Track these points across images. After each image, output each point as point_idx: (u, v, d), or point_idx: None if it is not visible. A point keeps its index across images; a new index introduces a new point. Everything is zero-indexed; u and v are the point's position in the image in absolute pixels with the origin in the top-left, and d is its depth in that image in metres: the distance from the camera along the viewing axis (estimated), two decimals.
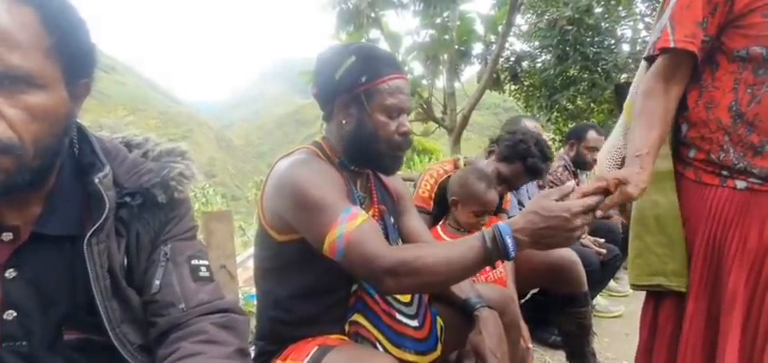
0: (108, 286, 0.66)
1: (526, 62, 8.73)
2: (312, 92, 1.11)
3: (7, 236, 0.63)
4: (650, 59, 1.05)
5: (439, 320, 1.17)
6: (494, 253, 0.84)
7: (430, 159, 9.42)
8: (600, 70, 7.96)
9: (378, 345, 1.00)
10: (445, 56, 4.52)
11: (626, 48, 8.28)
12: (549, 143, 1.95)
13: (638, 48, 7.88)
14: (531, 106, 8.98)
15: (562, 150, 2.93)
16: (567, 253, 1.78)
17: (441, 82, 4.70)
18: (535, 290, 2.03)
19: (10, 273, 0.63)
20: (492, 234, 0.84)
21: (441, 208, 1.72)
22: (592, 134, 2.76)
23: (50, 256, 0.65)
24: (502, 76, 7.71)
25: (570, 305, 1.77)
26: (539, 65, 8.83)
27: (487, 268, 1.51)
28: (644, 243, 1.10)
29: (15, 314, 0.63)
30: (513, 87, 8.94)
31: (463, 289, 1.14)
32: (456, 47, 4.58)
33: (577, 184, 2.92)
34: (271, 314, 1.06)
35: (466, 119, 4.67)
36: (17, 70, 0.54)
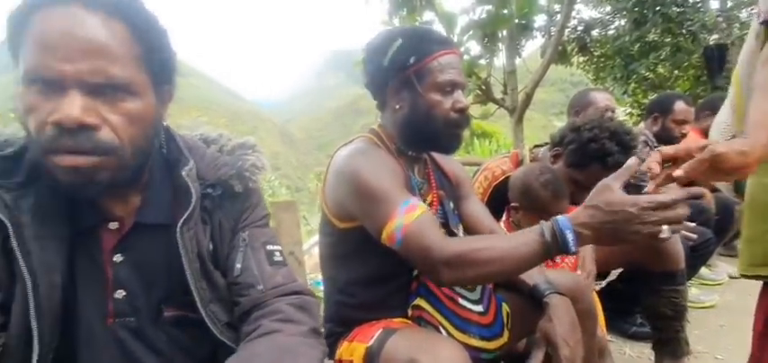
0: (198, 269, 0.72)
1: (596, 30, 7.99)
2: (364, 82, 1.11)
3: (114, 226, 0.71)
4: None
5: (505, 306, 1.12)
6: (553, 248, 0.79)
7: (490, 142, 9.08)
8: (684, 32, 7.04)
9: (441, 329, 0.99)
10: (504, 32, 4.28)
11: (715, 4, 7.22)
12: (625, 118, 1.72)
13: (729, 3, 6.84)
14: (602, 78, 8.22)
15: (643, 124, 2.60)
16: None
17: (500, 60, 4.47)
18: (619, 271, 1.86)
19: (117, 258, 0.71)
20: (551, 227, 0.79)
21: (495, 209, 1.53)
22: (680, 105, 2.41)
23: (149, 243, 0.72)
24: (569, 48, 7.12)
25: (665, 282, 1.57)
26: (611, 32, 8.03)
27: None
28: (755, 230, 0.99)
29: (124, 293, 0.71)
30: (581, 59, 8.25)
31: (531, 275, 1.09)
32: (516, 21, 4.31)
33: None
34: (336, 297, 1.09)
35: (529, 97, 4.39)
36: (117, 80, 0.60)
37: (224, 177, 0.76)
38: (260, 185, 0.84)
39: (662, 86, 7.72)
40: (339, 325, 1.07)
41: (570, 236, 0.77)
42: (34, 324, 0.62)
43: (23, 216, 0.63)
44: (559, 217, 0.79)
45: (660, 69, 7.79)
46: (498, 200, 1.48)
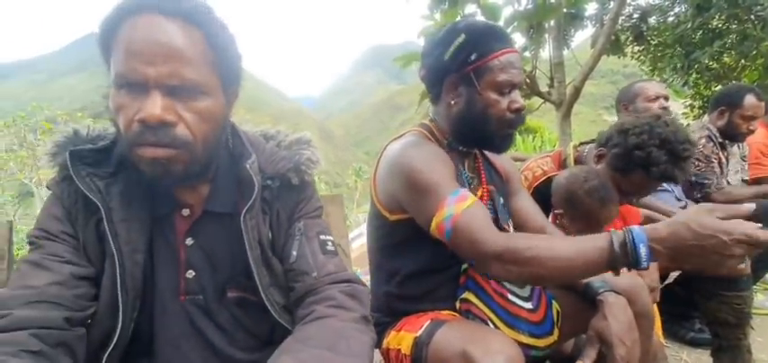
0: (258, 255, 0.77)
1: (654, 17, 7.42)
2: (420, 74, 1.11)
3: (186, 212, 0.78)
4: None
5: (555, 304, 1.10)
6: (620, 260, 0.75)
7: (534, 138, 8.78)
8: (753, 18, 6.38)
9: (489, 324, 0.99)
10: (551, 22, 4.11)
11: None
12: (685, 111, 1.56)
13: None
14: (660, 69, 7.66)
15: (706, 118, 2.40)
16: None
17: (546, 52, 4.28)
18: (676, 274, 1.75)
19: (189, 241, 0.77)
20: (623, 238, 0.75)
21: None
22: (750, 99, 2.19)
23: (216, 229, 0.78)
24: (622, 37, 6.69)
25: (728, 287, 1.46)
26: (671, 19, 7.45)
27: None
28: None
29: (194, 273, 0.77)
30: (636, 49, 7.72)
31: None
32: (565, 10, 4.12)
33: (726, 158, 2.38)
34: (384, 288, 1.12)
35: (577, 90, 4.17)
36: (192, 82, 0.66)
37: (282, 170, 0.81)
38: (314, 178, 0.88)
39: (727, 77, 7.08)
40: (386, 315, 1.09)
41: (644, 251, 0.73)
42: (120, 297, 0.70)
43: (113, 201, 0.71)
44: (635, 228, 0.75)
45: (725, 58, 7.13)
46: (539, 201, 1.39)
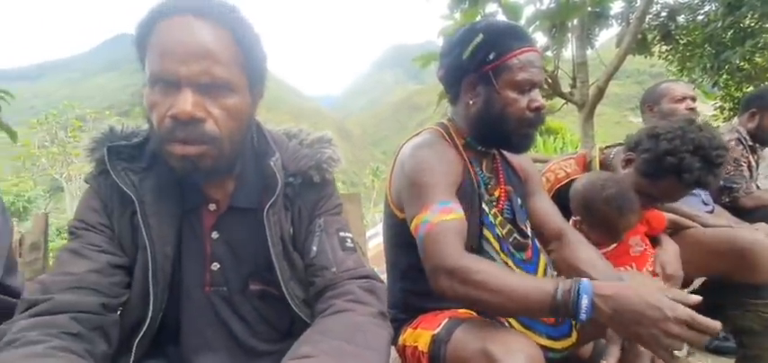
0: (280, 250, 0.80)
1: (683, 16, 7.19)
2: (438, 74, 1.12)
3: (212, 207, 0.81)
4: None
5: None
6: (560, 308, 0.77)
7: (555, 139, 8.62)
8: None
9: (507, 325, 0.98)
10: (575, 21, 4.03)
11: None
12: (714, 114, 1.50)
13: None
14: (689, 69, 7.41)
15: (736, 120, 2.32)
16: (753, 234, 1.40)
17: (569, 51, 4.21)
18: (701, 280, 1.69)
19: (214, 235, 0.81)
20: (568, 286, 0.77)
21: None
22: None
23: (240, 224, 0.81)
24: (649, 36, 6.49)
25: (755, 295, 1.40)
26: (700, 17, 7.21)
27: (639, 253, 1.29)
28: None
29: (219, 265, 0.81)
30: (663, 48, 7.49)
31: (599, 270, 1.03)
32: (589, 8, 4.03)
33: (756, 162, 2.28)
34: (400, 284, 1.13)
35: (601, 91, 4.07)
36: (221, 80, 0.69)
37: (304, 168, 0.83)
38: (334, 176, 0.90)
39: (758, 78, 6.79)
40: (402, 312, 1.10)
41: (585, 303, 0.75)
42: (151, 286, 0.74)
43: (146, 195, 0.75)
44: (584, 281, 0.77)
45: (757, 59, 6.84)
46: (560, 205, 1.36)
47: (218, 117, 0.70)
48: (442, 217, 0.89)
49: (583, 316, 0.75)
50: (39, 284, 0.68)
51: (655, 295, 0.73)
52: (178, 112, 0.66)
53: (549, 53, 4.16)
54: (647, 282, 0.77)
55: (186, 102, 0.66)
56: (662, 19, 7.10)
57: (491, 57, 0.97)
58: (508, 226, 1.06)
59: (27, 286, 0.71)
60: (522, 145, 1.04)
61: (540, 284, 0.81)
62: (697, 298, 0.76)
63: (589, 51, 4.29)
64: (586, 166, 1.53)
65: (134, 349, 0.74)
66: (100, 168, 0.78)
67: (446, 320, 0.94)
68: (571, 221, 1.36)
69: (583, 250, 1.10)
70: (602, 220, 1.23)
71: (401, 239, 1.09)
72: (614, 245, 1.30)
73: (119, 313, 0.74)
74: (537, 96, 0.99)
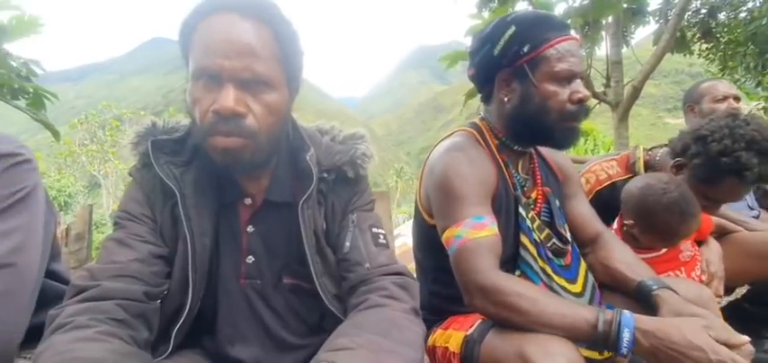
0: (314, 244, 0.80)
1: (724, 13, 6.85)
2: (469, 74, 1.09)
3: (248, 201, 0.82)
4: None
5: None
6: (600, 340, 0.75)
7: (586, 141, 8.35)
8: None
9: None
10: (609, 18, 3.88)
11: None
12: (759, 113, 1.41)
13: None
14: (730, 68, 7.04)
15: None
16: None
17: (602, 49, 4.06)
18: (745, 289, 1.60)
19: (250, 229, 0.82)
20: (609, 318, 0.75)
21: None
22: None
23: (275, 218, 0.82)
24: (689, 34, 6.20)
25: None
26: (743, 14, 6.83)
27: (689, 257, 1.23)
28: None
29: (253, 259, 0.82)
30: (704, 46, 7.15)
31: (638, 271, 0.99)
32: (625, 5, 3.88)
33: None
34: (429, 287, 1.11)
35: (637, 91, 3.90)
36: (261, 76, 0.70)
37: (338, 163, 0.84)
38: (367, 173, 0.90)
39: None
40: (431, 314, 1.08)
41: (627, 336, 0.74)
42: (190, 276, 0.75)
43: (187, 188, 0.77)
44: (626, 313, 0.76)
45: None
46: (600, 207, 1.27)
47: (258, 112, 0.71)
48: (476, 234, 0.87)
49: (624, 350, 0.74)
50: (86, 271, 0.70)
51: (699, 335, 0.73)
52: (220, 108, 0.67)
53: (582, 51, 4.03)
54: (692, 321, 0.76)
55: (228, 98, 0.67)
56: (702, 16, 6.79)
57: (525, 49, 0.94)
58: (546, 231, 1.02)
59: (75, 273, 0.74)
60: (565, 139, 0.99)
61: (579, 312, 0.78)
62: (744, 339, 0.75)
63: (624, 49, 4.12)
64: (630, 168, 1.45)
65: (173, 337, 0.76)
66: (143, 161, 0.80)
67: (479, 321, 0.92)
68: (615, 224, 1.31)
69: (619, 251, 1.06)
70: (662, 226, 1.15)
71: (430, 242, 1.07)
72: (665, 251, 1.24)
73: (159, 302, 0.76)
74: (579, 87, 0.95)
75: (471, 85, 1.09)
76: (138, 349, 0.66)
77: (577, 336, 0.77)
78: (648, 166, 1.46)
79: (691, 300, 0.96)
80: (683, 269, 1.22)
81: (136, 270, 0.71)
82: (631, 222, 1.22)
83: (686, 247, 1.26)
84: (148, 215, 0.78)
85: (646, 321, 0.76)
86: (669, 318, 0.78)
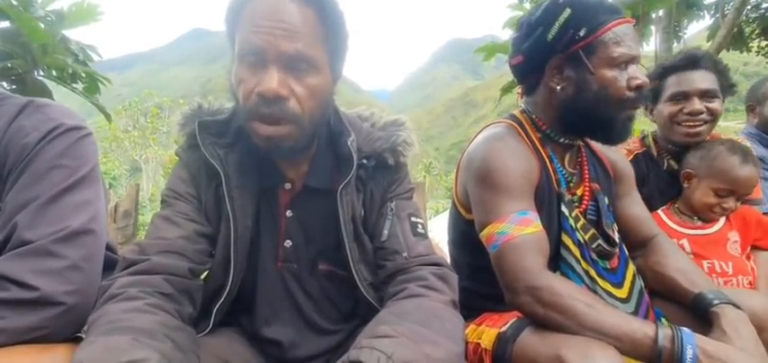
0: (351, 230, 0.80)
1: None
2: (511, 62, 1.04)
3: (288, 186, 0.83)
4: None
5: (665, 322, 0.98)
6: (661, 357, 0.71)
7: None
8: None
9: None
10: (659, 12, 3.66)
11: None
12: None
13: None
14: None
15: (744, 125, 2.03)
16: None
17: (651, 45, 3.84)
18: None
19: (289, 213, 0.83)
20: (671, 334, 0.72)
21: None
22: None
23: (313, 204, 0.83)
24: (746, 30, 5.76)
25: None
26: None
27: (737, 254, 1.20)
28: None
29: (291, 243, 0.83)
30: (763, 43, 6.62)
31: (695, 281, 0.92)
32: None
33: None
34: (463, 283, 1.07)
35: None
36: (305, 57, 0.69)
37: (379, 150, 0.83)
38: (408, 161, 0.88)
39: None
40: (463, 309, 1.05)
41: (691, 354, 0.69)
42: (232, 255, 0.77)
43: (230, 168, 0.78)
44: (686, 331, 0.72)
45: None
46: None
47: (301, 95, 0.70)
48: (522, 230, 0.83)
49: None
50: (136, 246, 0.73)
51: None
52: (264, 90, 0.67)
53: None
54: (756, 347, 0.73)
55: (272, 80, 0.67)
56: (762, 10, 6.26)
57: (582, 33, 0.88)
58: (591, 231, 0.96)
59: (126, 247, 0.77)
60: (624, 131, 0.93)
61: (637, 323, 0.74)
62: None
63: (675, 45, 3.88)
64: (642, 143, 1.48)
65: (213, 314, 0.78)
66: (190, 142, 0.82)
67: (514, 319, 0.89)
68: (682, 174, 1.33)
69: (674, 257, 1.00)
70: (720, 166, 1.22)
71: (465, 238, 1.04)
72: (713, 230, 1.24)
73: (202, 279, 0.78)
74: (637, 72, 0.89)
75: (505, 80, 1.05)
76: (182, 324, 0.68)
77: (636, 349, 0.73)
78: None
79: (754, 311, 0.88)
80: (731, 262, 1.17)
81: (182, 247, 0.73)
82: (690, 171, 1.29)
83: (734, 237, 1.22)
84: (193, 194, 0.80)
85: (708, 342, 0.72)
86: (731, 346, 0.73)
